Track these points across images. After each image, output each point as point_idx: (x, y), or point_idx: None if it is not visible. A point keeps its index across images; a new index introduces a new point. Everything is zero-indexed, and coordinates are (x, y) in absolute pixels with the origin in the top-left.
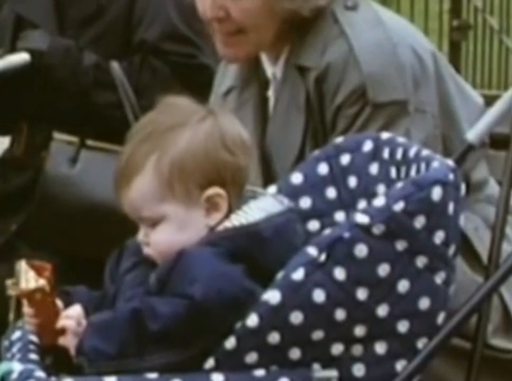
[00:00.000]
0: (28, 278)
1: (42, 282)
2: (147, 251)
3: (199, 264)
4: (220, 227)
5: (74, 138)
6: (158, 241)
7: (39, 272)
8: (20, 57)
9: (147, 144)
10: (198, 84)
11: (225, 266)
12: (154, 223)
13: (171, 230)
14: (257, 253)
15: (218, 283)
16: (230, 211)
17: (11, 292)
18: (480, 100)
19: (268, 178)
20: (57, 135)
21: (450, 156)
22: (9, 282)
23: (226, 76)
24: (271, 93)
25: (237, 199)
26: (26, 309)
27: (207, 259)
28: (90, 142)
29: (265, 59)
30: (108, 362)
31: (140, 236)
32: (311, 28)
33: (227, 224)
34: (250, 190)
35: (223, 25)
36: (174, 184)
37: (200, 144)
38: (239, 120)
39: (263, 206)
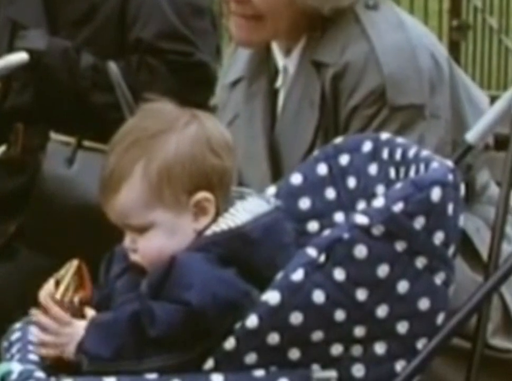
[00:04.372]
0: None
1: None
2: (134, 257)
3: (192, 271)
4: (209, 232)
5: (71, 139)
6: (148, 248)
7: (82, 283)
8: (19, 57)
9: (133, 151)
10: (196, 82)
11: (217, 271)
12: (142, 229)
13: (160, 237)
14: (247, 254)
15: (213, 287)
16: (217, 214)
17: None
18: (486, 107)
19: (276, 169)
20: (54, 136)
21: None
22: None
23: (234, 66)
24: (279, 85)
25: (224, 202)
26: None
27: (199, 265)
28: (86, 143)
29: (276, 50)
30: (106, 363)
31: (127, 242)
32: (331, 25)
33: (215, 228)
34: (236, 191)
35: (241, 7)
36: (163, 191)
37: (187, 149)
38: (248, 111)
39: (249, 207)
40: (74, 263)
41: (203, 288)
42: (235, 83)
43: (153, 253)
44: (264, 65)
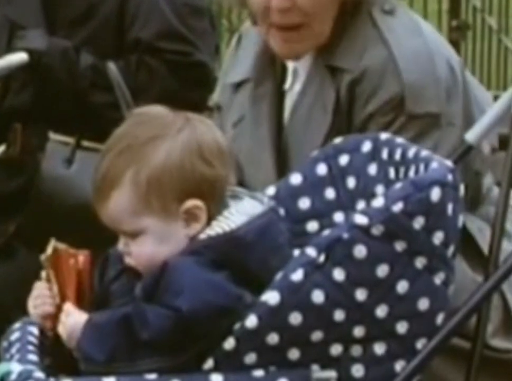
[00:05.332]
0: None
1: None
2: (128, 260)
3: (184, 275)
4: (203, 235)
5: (69, 139)
6: (139, 253)
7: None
8: (19, 57)
9: (124, 157)
10: (194, 81)
11: (208, 275)
12: (134, 235)
13: (151, 243)
14: (241, 258)
15: (204, 293)
16: (210, 220)
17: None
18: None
19: (283, 173)
20: (53, 136)
21: (468, 170)
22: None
23: (237, 66)
24: (287, 86)
25: (217, 207)
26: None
27: (191, 269)
28: (85, 143)
29: None
30: (99, 366)
31: (121, 245)
32: (347, 30)
33: (210, 231)
34: (229, 190)
35: (286, 17)
36: (152, 199)
37: (177, 158)
38: (254, 114)
39: (244, 209)
40: (50, 245)
41: (194, 294)
42: (240, 84)
43: (145, 258)
44: (270, 68)
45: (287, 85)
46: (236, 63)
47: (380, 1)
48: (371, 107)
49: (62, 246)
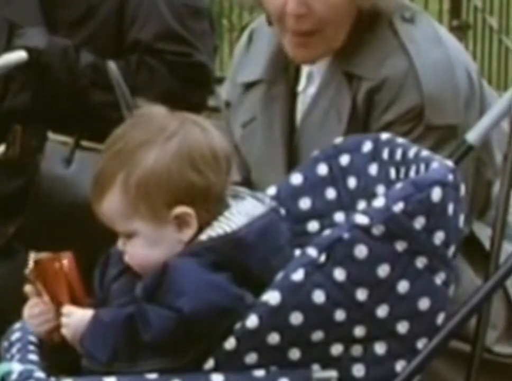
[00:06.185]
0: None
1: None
2: (126, 259)
3: (184, 277)
4: (204, 236)
5: (68, 139)
6: (133, 254)
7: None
8: (18, 55)
9: (116, 161)
10: (194, 82)
11: (209, 276)
12: (128, 235)
13: (143, 246)
14: (242, 259)
15: (205, 294)
16: (202, 226)
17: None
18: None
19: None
20: (52, 136)
21: (480, 180)
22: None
23: (249, 66)
24: (301, 89)
25: (216, 211)
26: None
27: (192, 270)
28: (84, 143)
29: None
30: (101, 365)
31: (120, 244)
32: (366, 37)
33: (211, 232)
34: (231, 190)
35: (300, 23)
36: (140, 204)
37: (165, 164)
38: (266, 116)
39: (245, 209)
40: (31, 258)
41: (195, 295)
42: (252, 84)
43: (138, 259)
44: (284, 69)
45: (300, 87)
46: (247, 61)
47: (400, 9)
48: (389, 116)
49: (42, 254)
